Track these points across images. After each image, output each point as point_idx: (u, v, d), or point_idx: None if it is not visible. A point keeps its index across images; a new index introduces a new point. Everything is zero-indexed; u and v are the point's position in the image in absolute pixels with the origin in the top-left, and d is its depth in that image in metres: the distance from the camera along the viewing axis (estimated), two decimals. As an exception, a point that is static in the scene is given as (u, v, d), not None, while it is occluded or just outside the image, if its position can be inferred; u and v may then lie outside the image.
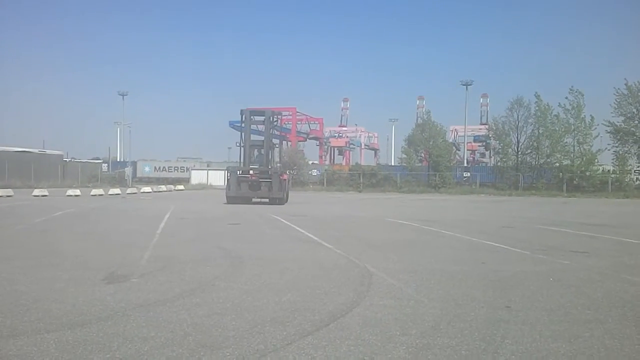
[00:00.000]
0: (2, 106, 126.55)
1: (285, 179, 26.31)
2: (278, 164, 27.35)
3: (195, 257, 8.59)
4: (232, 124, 58.27)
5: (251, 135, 26.37)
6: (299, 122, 69.77)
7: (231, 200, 24.54)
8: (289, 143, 60.55)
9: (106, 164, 63.29)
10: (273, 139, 26.96)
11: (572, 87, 45.95)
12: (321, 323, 4.77)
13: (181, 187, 46.04)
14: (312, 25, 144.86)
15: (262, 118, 26.43)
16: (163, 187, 42.35)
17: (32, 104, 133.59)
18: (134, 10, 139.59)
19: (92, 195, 31.30)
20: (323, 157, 75.51)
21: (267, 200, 24.66)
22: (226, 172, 26.43)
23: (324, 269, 7.58)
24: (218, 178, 48.17)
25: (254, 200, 24.90)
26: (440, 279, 6.92)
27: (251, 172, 24.84)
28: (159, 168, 62.57)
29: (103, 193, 33.13)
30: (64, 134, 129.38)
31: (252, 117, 26.03)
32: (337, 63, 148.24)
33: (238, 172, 24.97)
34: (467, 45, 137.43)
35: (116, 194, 33.30)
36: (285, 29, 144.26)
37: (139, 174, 59.83)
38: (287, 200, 26.21)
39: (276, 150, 27.37)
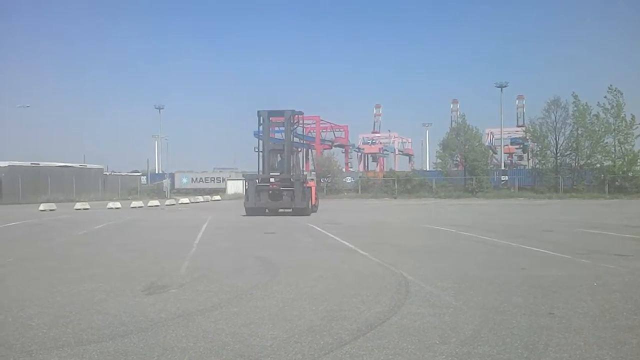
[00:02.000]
0: (44, 123, 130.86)
1: (310, 187, 23.74)
2: (313, 172, 26.26)
3: (232, 266, 8.67)
4: (257, 134, 58.69)
5: (275, 140, 24.50)
6: (324, 130, 69.92)
7: (250, 211, 22.08)
8: (314, 151, 60.68)
9: (145, 177, 64.58)
10: (295, 143, 24.69)
11: (610, 85, 44.80)
12: (358, 332, 4.73)
13: (218, 197, 46.61)
14: (341, 31, 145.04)
15: (281, 120, 23.90)
16: (200, 198, 42.99)
17: (72, 120, 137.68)
18: (167, 22, 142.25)
19: (132, 207, 31.95)
20: (349, 164, 75.40)
21: (289, 210, 22.29)
22: (244, 181, 23.91)
23: (360, 276, 7.54)
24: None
25: (280, 210, 22.59)
26: (480, 285, 6.79)
27: (271, 180, 22.48)
28: (196, 179, 63.48)
29: (142, 205, 33.78)
30: (103, 148, 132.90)
31: (270, 118, 23.51)
32: (368, 69, 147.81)
33: (257, 180, 22.64)
34: (501, 46, 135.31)
35: (155, 206, 33.91)
36: (316, 35, 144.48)
37: (176, 186, 60.81)
38: (315, 210, 23.93)
39: (299, 155, 24.90)
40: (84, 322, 5.19)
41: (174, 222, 20.02)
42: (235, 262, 9.15)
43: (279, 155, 23.60)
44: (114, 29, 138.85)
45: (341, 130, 74.80)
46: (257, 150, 23.19)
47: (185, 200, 39.86)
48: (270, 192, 22.30)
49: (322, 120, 66.67)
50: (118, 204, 32.12)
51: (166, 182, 56.38)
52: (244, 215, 21.73)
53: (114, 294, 6.47)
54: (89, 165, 52.26)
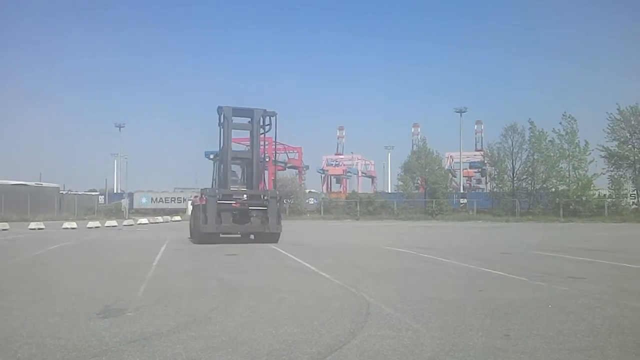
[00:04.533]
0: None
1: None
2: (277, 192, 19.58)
3: (191, 289, 8.53)
4: (208, 155, 56.75)
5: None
6: (277, 152, 69.95)
7: (203, 238, 17.33)
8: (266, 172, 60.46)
9: (103, 196, 63.25)
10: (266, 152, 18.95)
11: (565, 112, 46.59)
12: (318, 355, 4.71)
13: (178, 217, 45.90)
14: (305, 52, 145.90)
15: (247, 121, 18.90)
16: (160, 218, 42.28)
17: (28, 137, 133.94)
18: (130, 38, 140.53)
19: (89, 227, 31.19)
20: (303, 185, 75.70)
21: (254, 235, 18.34)
22: (201, 196, 18.37)
23: (322, 299, 7.53)
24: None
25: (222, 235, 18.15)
26: (438, 307, 6.88)
27: (236, 197, 18.08)
28: (156, 199, 62.46)
29: (99, 225, 33.04)
30: (60, 167, 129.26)
31: (234, 118, 18.52)
32: (331, 91, 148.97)
33: (218, 196, 17.47)
34: (461, 72, 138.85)
35: (113, 226, 33.20)
36: (278, 54, 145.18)
37: (135, 206, 59.74)
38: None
39: (266, 165, 19.66)
40: (36, 346, 5.01)
41: (131, 243, 19.60)
42: (194, 285, 9.01)
43: (245, 166, 19.14)
44: (73, 45, 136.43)
45: (295, 152, 74.88)
46: (213, 158, 18.69)
47: (144, 220, 39.13)
48: (235, 212, 17.68)
49: (274, 141, 66.57)
50: (74, 224, 31.33)
51: (124, 201, 55.33)
52: (196, 244, 17.93)
53: (67, 317, 6.27)
54: (44, 184, 50.96)
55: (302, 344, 5.07)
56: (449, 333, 5.51)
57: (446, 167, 64.16)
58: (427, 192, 50.77)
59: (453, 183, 66.83)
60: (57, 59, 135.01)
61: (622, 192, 44.90)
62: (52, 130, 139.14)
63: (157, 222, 39.44)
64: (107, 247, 18.16)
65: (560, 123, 46.31)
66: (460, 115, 57.41)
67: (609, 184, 45.72)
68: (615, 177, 45.21)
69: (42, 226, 29.83)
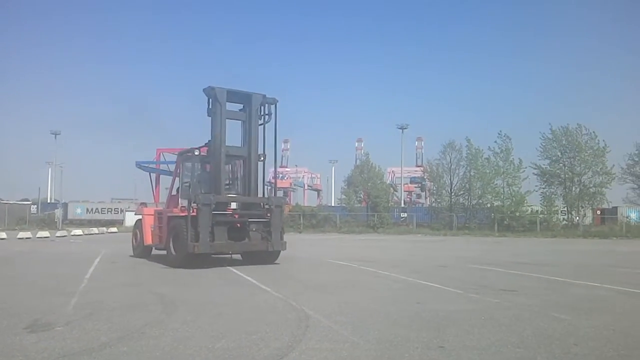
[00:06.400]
0: None
1: None
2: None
3: (125, 302, 8.26)
4: (139, 165, 50.11)
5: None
6: None
7: (191, 261, 13.36)
8: None
9: (35, 206, 60.54)
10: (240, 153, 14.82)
11: (500, 131, 48.38)
12: (255, 369, 4.66)
13: (114, 229, 44.49)
14: (251, 64, 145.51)
15: (239, 108, 14.83)
16: (95, 230, 40.85)
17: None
18: (65, 46, 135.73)
19: (19, 238, 29.82)
20: None
21: (252, 253, 14.76)
22: (188, 202, 13.58)
23: (261, 312, 7.47)
24: (154, 220, 46.29)
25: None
26: (376, 319, 6.95)
27: (233, 205, 14.45)
28: (92, 210, 60.33)
29: (31, 236, 31.60)
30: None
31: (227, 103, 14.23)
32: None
33: (213, 204, 13.42)
34: (403, 90, 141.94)
35: (45, 237, 31.85)
36: (223, 67, 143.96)
37: (70, 216, 57.54)
38: None
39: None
40: (-47, 365, 4.73)
41: (64, 255, 18.81)
42: (129, 298, 8.74)
43: (234, 164, 15.62)
44: (8, 48, 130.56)
45: None
46: (193, 153, 14.69)
47: (79, 231, 37.72)
48: (231, 225, 14.15)
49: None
50: (3, 235, 29.88)
51: (58, 212, 53.18)
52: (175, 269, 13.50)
53: (-9, 333, 5.96)
54: (-29, 192, 48.38)
55: (240, 358, 5.01)
56: (385, 345, 5.57)
57: (388, 182, 65.16)
58: (369, 206, 51.39)
59: (394, 197, 67.94)
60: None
61: (553, 209, 46.79)
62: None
63: (93, 234, 38.11)
64: (37, 259, 17.37)
65: (496, 141, 48.12)
66: (402, 131, 58.73)
67: (541, 200, 47.63)
68: (547, 194, 47.18)
69: (-32, 237, 28.37)
